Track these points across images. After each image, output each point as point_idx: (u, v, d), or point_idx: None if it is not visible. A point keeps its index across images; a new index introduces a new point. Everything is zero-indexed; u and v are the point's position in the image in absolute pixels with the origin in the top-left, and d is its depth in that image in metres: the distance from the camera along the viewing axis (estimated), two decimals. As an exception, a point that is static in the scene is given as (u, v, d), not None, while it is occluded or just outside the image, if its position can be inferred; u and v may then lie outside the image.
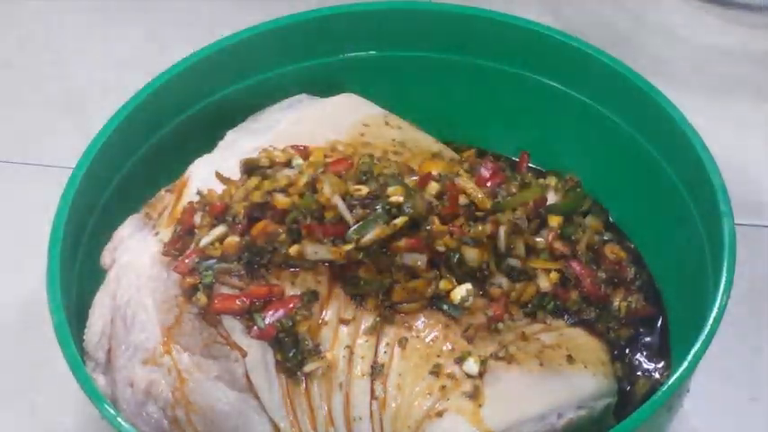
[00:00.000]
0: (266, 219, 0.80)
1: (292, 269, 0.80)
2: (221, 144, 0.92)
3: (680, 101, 0.90)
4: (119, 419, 0.76)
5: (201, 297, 0.80)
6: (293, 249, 0.79)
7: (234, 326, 0.80)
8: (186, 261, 0.81)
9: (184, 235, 0.84)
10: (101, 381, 0.84)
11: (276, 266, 0.80)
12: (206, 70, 0.95)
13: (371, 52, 0.99)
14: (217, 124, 0.94)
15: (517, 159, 0.96)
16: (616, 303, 0.85)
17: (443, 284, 0.80)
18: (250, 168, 0.85)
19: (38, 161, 1.16)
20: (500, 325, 0.80)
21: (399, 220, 0.79)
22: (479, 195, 0.82)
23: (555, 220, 0.85)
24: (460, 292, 0.79)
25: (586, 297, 0.84)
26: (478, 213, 0.82)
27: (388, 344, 0.79)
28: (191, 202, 0.85)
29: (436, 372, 0.78)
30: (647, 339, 0.89)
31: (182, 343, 0.81)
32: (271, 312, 0.79)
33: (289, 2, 1.05)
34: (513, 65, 0.97)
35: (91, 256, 0.88)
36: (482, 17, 0.96)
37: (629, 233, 0.96)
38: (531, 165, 0.95)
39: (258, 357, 0.79)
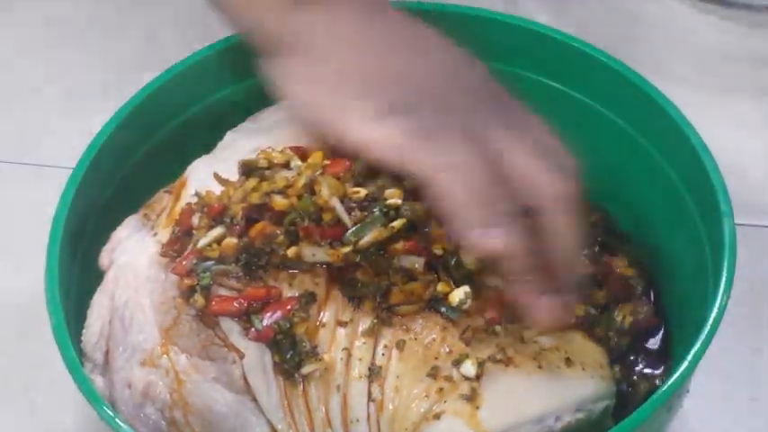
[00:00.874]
0: (264, 220, 0.80)
1: (290, 271, 0.80)
2: (220, 145, 0.92)
3: (680, 101, 0.89)
4: (117, 421, 0.76)
5: (199, 299, 0.80)
6: (291, 251, 0.79)
7: (231, 327, 0.79)
8: (184, 262, 0.81)
9: (182, 236, 0.83)
10: (99, 382, 0.84)
11: (274, 268, 0.80)
12: (206, 71, 0.95)
13: (371, 52, 0.99)
14: (217, 125, 0.94)
15: (516, 160, 0.96)
16: (620, 318, 0.85)
17: (441, 287, 0.79)
18: (248, 169, 0.84)
19: (37, 161, 1.16)
20: (498, 327, 0.80)
21: (397, 223, 0.79)
22: (478, 197, 0.82)
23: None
24: (458, 294, 0.79)
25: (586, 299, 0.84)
26: (477, 215, 0.82)
27: (385, 346, 0.79)
28: (189, 203, 0.85)
29: (434, 374, 0.78)
30: (646, 341, 0.89)
31: (179, 344, 0.81)
32: (268, 314, 0.79)
33: (289, 2, 1.05)
34: (513, 64, 0.96)
35: (90, 257, 0.88)
36: (481, 17, 0.96)
37: (628, 233, 0.95)
38: (530, 165, 0.95)
39: (256, 359, 0.79)
